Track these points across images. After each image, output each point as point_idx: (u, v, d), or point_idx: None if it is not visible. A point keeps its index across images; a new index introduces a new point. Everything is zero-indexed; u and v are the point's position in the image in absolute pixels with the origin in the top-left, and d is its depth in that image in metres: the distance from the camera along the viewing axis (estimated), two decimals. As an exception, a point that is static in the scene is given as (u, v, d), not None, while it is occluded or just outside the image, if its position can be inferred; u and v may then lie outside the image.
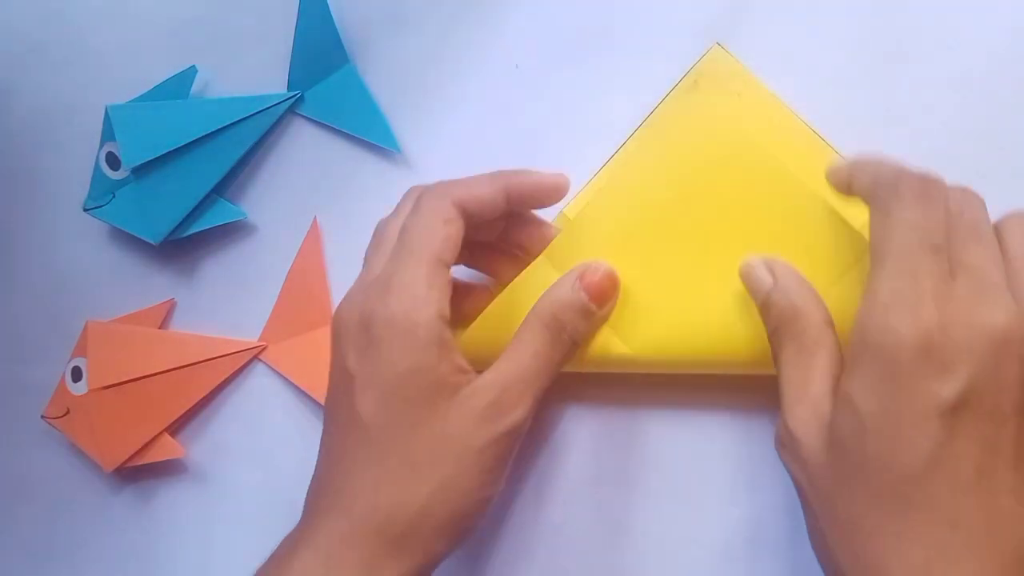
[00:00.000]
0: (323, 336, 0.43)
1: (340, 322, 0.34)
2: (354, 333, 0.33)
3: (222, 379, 0.45)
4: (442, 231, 0.33)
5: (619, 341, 0.35)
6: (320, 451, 0.35)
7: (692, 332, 0.35)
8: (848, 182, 0.31)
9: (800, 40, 0.37)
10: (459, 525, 0.33)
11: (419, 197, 0.35)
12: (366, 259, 0.36)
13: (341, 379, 0.34)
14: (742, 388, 0.37)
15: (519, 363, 0.33)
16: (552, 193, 0.36)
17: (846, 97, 0.36)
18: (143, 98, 0.45)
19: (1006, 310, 0.26)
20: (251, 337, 0.45)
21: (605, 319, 0.35)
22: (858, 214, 0.32)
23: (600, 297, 0.35)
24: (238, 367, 0.45)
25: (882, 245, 0.28)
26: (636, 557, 0.38)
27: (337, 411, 0.34)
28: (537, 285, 0.35)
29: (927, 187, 0.28)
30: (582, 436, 0.39)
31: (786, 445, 0.30)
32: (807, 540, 0.30)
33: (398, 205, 0.36)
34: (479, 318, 0.37)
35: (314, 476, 0.35)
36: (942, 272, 0.27)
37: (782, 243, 0.34)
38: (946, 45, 0.35)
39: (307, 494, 0.35)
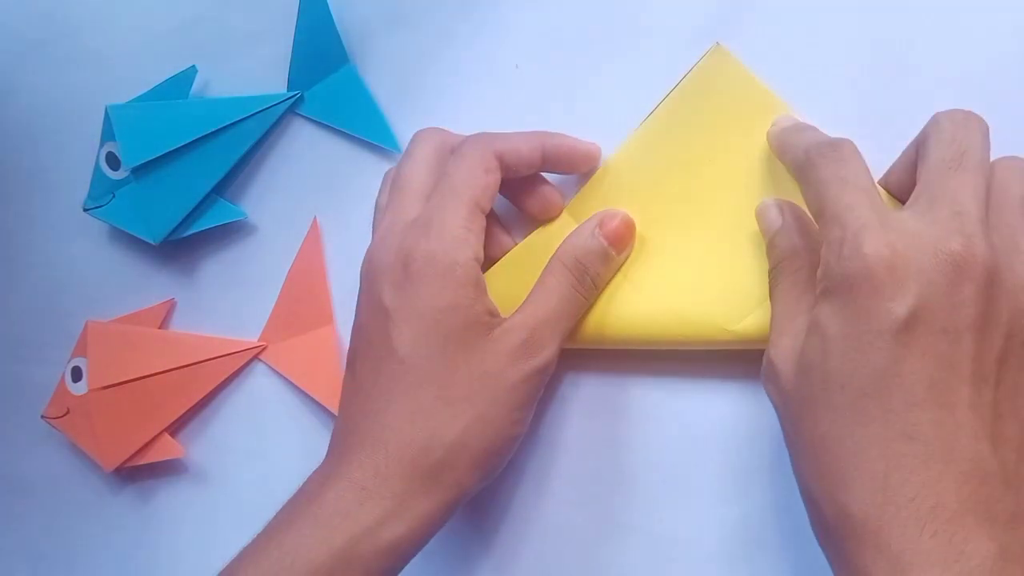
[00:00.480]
0: (323, 336, 0.43)
1: (375, 260, 0.35)
2: (391, 270, 0.34)
3: (222, 379, 0.45)
4: (483, 179, 0.35)
5: (632, 287, 0.37)
6: (345, 392, 0.36)
7: (698, 283, 0.36)
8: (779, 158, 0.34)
9: (800, 40, 0.37)
10: (491, 460, 0.34)
11: (463, 144, 0.36)
12: (384, 205, 0.37)
13: (374, 316, 0.35)
14: (743, 388, 0.37)
15: (546, 305, 0.35)
16: (584, 159, 0.38)
17: (846, 97, 0.36)
18: (143, 98, 0.45)
19: (965, 236, 0.27)
20: (251, 337, 0.45)
21: (622, 264, 0.37)
22: None
23: (619, 243, 0.36)
24: (238, 367, 0.45)
25: (815, 206, 0.30)
26: (635, 556, 0.38)
27: (368, 348, 0.35)
28: (557, 235, 0.37)
29: (836, 145, 0.31)
30: (581, 435, 0.39)
31: (768, 376, 0.31)
32: (806, 539, 0.30)
33: (407, 149, 0.38)
34: (498, 264, 0.39)
35: (340, 416, 0.36)
36: (876, 205, 0.28)
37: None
38: (946, 45, 0.35)
39: (333, 435, 0.36)
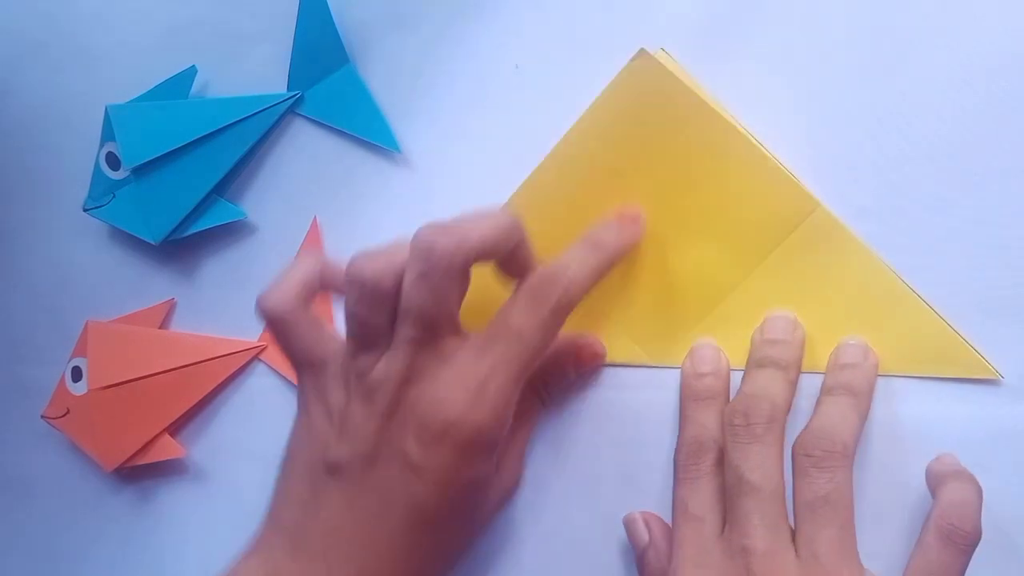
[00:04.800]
0: (323, 336, 0.43)
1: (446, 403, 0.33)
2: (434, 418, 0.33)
3: (222, 379, 0.45)
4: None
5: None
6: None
7: (621, 293, 0.37)
8: None
9: (799, 40, 0.37)
10: None
11: (529, 293, 0.34)
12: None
13: (391, 457, 0.34)
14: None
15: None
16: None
17: (845, 97, 0.36)
18: (143, 98, 0.45)
19: None
20: (251, 337, 0.45)
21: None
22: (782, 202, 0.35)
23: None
24: (238, 367, 0.45)
25: None
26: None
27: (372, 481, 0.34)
28: None
29: (696, 459, 0.34)
30: (580, 435, 0.39)
31: None
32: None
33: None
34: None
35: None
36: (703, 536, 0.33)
37: (708, 220, 0.36)
38: (946, 45, 0.35)
39: None
